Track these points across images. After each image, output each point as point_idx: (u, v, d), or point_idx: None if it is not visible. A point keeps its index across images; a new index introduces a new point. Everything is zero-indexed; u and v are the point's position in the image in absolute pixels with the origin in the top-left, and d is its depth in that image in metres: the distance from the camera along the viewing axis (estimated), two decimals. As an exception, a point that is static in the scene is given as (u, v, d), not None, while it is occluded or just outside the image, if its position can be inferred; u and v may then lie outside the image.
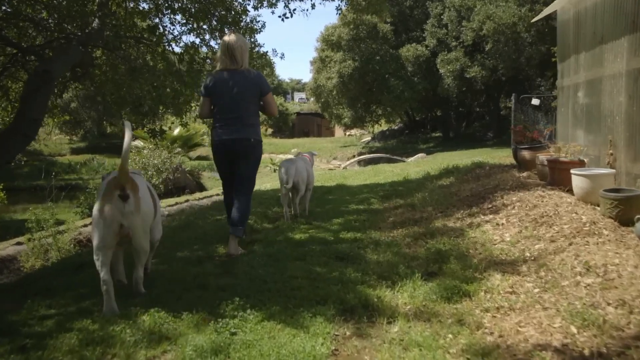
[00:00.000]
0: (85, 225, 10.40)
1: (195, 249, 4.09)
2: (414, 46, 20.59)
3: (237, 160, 3.84)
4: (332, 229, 4.51)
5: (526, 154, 5.87)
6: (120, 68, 5.74)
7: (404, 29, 22.29)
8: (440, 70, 19.78)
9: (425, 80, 20.82)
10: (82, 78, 5.97)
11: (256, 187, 8.81)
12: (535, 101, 13.83)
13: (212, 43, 7.50)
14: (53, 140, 33.65)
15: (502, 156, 9.64)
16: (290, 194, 5.18)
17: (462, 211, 4.55)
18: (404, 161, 18.91)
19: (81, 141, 32.09)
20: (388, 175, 9.49)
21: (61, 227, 8.34)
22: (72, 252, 7.50)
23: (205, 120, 8.04)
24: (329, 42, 21.61)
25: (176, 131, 17.55)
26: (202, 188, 17.03)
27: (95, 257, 2.63)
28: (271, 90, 4.02)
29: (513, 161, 7.89)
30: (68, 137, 32.23)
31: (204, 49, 7.44)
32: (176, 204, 12.99)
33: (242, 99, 3.72)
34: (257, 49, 7.36)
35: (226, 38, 3.78)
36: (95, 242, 2.64)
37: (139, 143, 16.61)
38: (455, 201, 5.03)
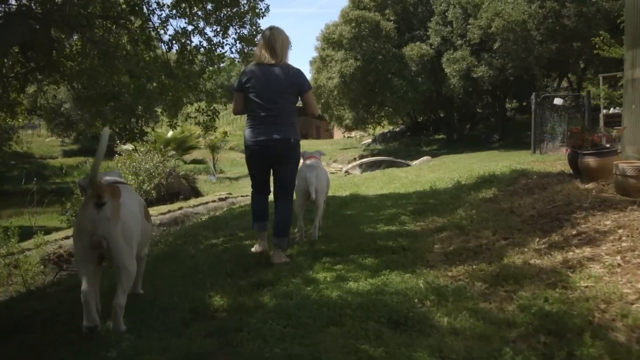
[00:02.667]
0: (67, 237, 9.17)
1: (181, 296, 2.87)
2: (418, 45, 19.47)
3: (275, 163, 3.56)
4: (366, 264, 3.31)
5: (591, 161, 4.70)
6: (91, 52, 4.50)
7: (407, 28, 21.17)
8: (445, 70, 18.67)
9: (430, 80, 19.70)
10: (47, 68, 4.73)
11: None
12: (557, 101, 12.71)
13: (208, 31, 6.28)
14: (45, 142, 32.29)
15: (530, 161, 8.48)
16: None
17: (537, 239, 3.36)
18: (408, 164, 17.77)
19: (73, 143, 30.75)
20: (404, 183, 8.32)
21: (28, 243, 7.08)
22: (43, 276, 6.27)
23: (202, 122, 6.89)
24: (330, 40, 20.45)
25: (170, 133, 16.29)
26: (197, 193, 15.76)
27: (77, 269, 2.56)
28: (311, 89, 3.68)
29: (557, 168, 6.75)
30: (60, 140, 30.85)
31: (198, 39, 6.23)
32: (169, 212, 11.74)
33: (280, 96, 3.43)
34: (260, 35, 6.14)
35: (268, 30, 3.53)
36: (75, 254, 2.59)
37: (130, 146, 15.31)
38: (518, 223, 3.84)
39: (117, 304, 2.35)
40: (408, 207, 5.32)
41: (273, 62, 3.44)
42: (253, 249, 3.67)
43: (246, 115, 3.57)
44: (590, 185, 4.57)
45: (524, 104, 25.71)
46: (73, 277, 4.22)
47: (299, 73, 3.52)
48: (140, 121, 5.33)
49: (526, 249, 3.23)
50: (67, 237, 9.01)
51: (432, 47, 19.57)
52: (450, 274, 3.02)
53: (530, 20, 17.00)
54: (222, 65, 6.83)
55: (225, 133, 8.39)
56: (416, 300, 2.58)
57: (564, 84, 23.71)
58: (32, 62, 4.55)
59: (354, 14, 19.35)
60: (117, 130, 5.08)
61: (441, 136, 24.29)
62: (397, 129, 27.07)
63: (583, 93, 17.74)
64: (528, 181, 5.39)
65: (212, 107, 6.11)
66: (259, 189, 3.72)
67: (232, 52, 6.16)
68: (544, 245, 3.22)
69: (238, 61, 6.25)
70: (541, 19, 16.95)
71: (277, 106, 3.43)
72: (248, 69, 3.56)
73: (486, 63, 18.29)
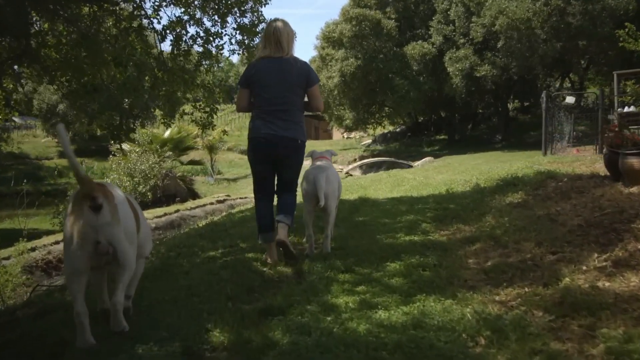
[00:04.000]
0: (57, 242, 8.59)
1: (171, 329, 2.31)
2: (420, 44, 18.94)
3: (278, 162, 3.36)
4: (394, 284, 2.76)
5: (635, 162, 4.15)
6: (71, 37, 3.92)
7: (408, 26, 20.65)
8: (448, 69, 18.15)
9: (431, 79, 19.18)
10: (25, 58, 4.15)
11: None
12: (569, 99, 12.18)
13: (205, 20, 5.72)
14: (41, 142, 31.61)
15: (546, 162, 7.95)
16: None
17: (595, 255, 2.81)
18: (410, 165, 17.24)
19: (70, 144, 30.01)
20: (414, 185, 7.77)
21: (13, 249, 6.50)
22: (25, 288, 5.71)
23: (199, 119, 6.28)
24: (330, 39, 19.89)
25: (167, 133, 15.72)
26: (194, 195, 15.19)
27: (67, 284, 2.29)
28: (319, 82, 3.53)
29: (581, 169, 6.25)
30: (56, 140, 30.16)
31: (194, 29, 5.65)
32: (165, 214, 11.18)
33: (287, 90, 3.27)
34: (262, 25, 5.58)
35: (272, 23, 3.36)
36: (66, 267, 2.22)
37: (125, 146, 14.71)
38: (564, 233, 3.29)
39: (117, 302, 2.16)
40: (427, 213, 4.77)
41: (279, 55, 3.27)
42: (268, 260, 3.38)
43: (253, 110, 3.39)
44: (635, 189, 4.03)
45: (526, 104, 25.30)
46: (49, 295, 3.65)
47: (306, 65, 3.38)
48: (129, 118, 4.76)
49: (584, 267, 2.68)
50: (56, 242, 8.42)
51: (434, 46, 19.06)
52: (498, 298, 2.47)
53: (534, 18, 16.51)
54: (220, 65, 6.30)
55: (224, 132, 7.85)
56: (465, 336, 2.04)
57: (566, 83, 23.27)
58: (6, 51, 3.98)
59: (355, 12, 18.81)
60: (105, 127, 4.52)
61: (442, 137, 23.80)
62: (398, 129, 26.53)
63: (593, 90, 17.21)
64: (558, 184, 4.85)
65: (210, 104, 5.52)
66: (261, 190, 3.47)
67: (231, 44, 5.61)
68: (606, 263, 2.67)
69: (238, 53, 5.71)
70: (546, 16, 16.46)
71: (286, 100, 3.27)
72: (253, 63, 3.42)
73: (489, 62, 17.79)
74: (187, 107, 6.53)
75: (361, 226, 4.40)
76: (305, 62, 3.43)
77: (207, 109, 5.55)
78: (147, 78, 5.17)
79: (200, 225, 5.86)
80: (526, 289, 2.52)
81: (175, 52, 5.31)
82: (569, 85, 22.75)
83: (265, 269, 3.28)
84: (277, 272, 3.24)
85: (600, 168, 6.57)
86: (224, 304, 2.64)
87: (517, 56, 17.30)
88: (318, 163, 3.77)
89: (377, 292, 2.63)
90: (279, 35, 3.26)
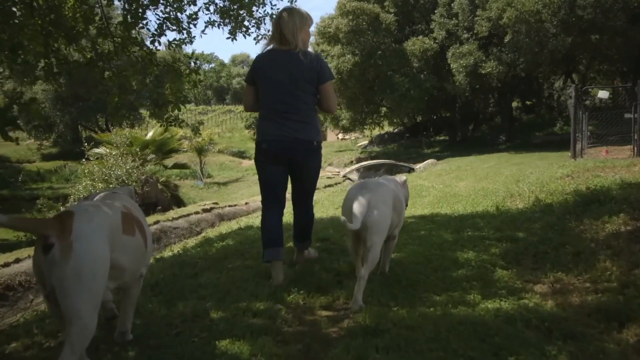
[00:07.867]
0: (7, 265, 6.94)
1: None
2: (420, 39, 17.46)
3: (293, 169, 2.90)
4: None
5: None
6: None
7: (407, 21, 19.17)
8: (452, 66, 16.69)
9: (433, 77, 17.70)
10: None
11: (248, 221, 5.46)
12: (602, 94, 10.75)
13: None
14: (24, 145, 29.68)
15: (595, 167, 6.44)
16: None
17: None
18: (412, 168, 15.76)
19: (53, 147, 28.17)
20: (438, 197, 6.23)
21: None
22: None
23: (156, 108, 4.64)
24: (326, 34, 18.31)
25: (149, 135, 14.03)
26: (179, 202, 13.48)
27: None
28: (333, 78, 3.01)
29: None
30: (38, 143, 28.30)
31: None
32: (142, 227, 9.54)
33: (295, 87, 2.83)
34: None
35: (280, 12, 2.97)
36: None
37: (102, 150, 13.01)
38: None
39: None
40: (489, 247, 3.20)
41: (286, 48, 2.86)
42: (273, 283, 2.79)
43: (260, 110, 2.98)
44: None
45: (528, 103, 23.94)
46: None
47: (317, 59, 2.90)
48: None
49: None
50: (6, 265, 6.81)
51: (436, 41, 17.61)
52: None
53: (544, 10, 15.11)
54: (212, 65, 4.69)
55: (197, 127, 6.08)
56: None
57: (567, 83, 21.98)
58: None
59: (352, 6, 17.27)
60: None
61: (442, 137, 22.35)
62: (395, 130, 25.03)
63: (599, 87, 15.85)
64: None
65: (175, 91, 3.89)
66: (270, 198, 2.96)
67: (207, 10, 4.01)
68: None
69: (219, 24, 4.12)
70: (556, 9, 15.08)
71: (295, 99, 2.83)
72: (259, 56, 3.07)
73: (495, 58, 16.37)
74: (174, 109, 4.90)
75: (399, 271, 2.81)
76: (317, 56, 2.96)
77: (173, 99, 3.93)
78: (88, 54, 3.56)
79: (166, 256, 4.23)
80: None
81: (129, 19, 3.71)
82: (571, 85, 21.47)
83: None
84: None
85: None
86: None
87: (525, 52, 15.92)
88: (371, 179, 2.74)
89: None
90: (282, 27, 2.84)
